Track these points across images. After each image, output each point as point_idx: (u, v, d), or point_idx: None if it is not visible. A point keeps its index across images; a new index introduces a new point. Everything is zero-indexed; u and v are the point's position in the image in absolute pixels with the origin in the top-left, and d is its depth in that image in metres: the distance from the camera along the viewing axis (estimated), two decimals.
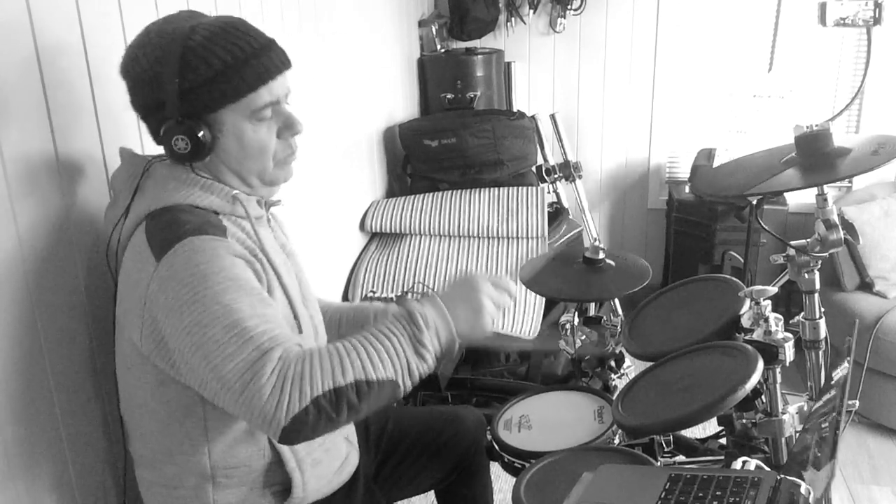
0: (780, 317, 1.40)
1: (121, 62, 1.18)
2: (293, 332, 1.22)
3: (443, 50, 3.51)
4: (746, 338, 1.42)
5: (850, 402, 1.54)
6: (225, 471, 1.22)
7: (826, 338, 1.71)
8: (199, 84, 1.12)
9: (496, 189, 2.84)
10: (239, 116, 1.16)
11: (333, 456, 1.35)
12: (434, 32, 3.44)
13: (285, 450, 1.25)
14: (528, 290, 2.56)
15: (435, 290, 1.22)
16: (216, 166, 1.20)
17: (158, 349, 1.11)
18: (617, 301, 3.04)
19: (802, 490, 0.91)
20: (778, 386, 1.39)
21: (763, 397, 1.40)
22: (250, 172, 1.22)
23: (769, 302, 1.40)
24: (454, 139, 2.88)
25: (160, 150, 1.20)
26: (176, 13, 1.20)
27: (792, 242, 1.67)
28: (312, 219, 2.25)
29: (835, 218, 1.63)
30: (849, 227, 2.75)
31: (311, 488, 1.29)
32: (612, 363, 1.86)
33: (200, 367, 1.04)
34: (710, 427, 2.21)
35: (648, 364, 1.48)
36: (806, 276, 1.66)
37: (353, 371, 1.03)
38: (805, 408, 1.43)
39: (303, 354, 1.03)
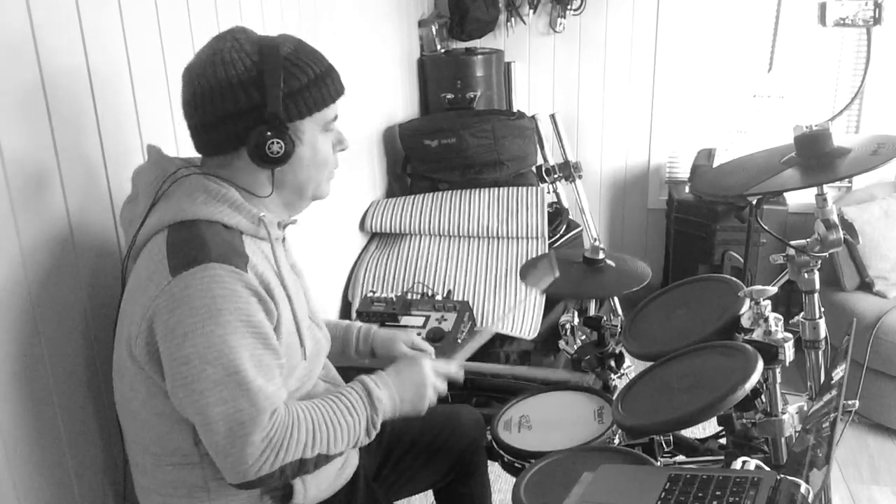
0: (780, 317, 1.40)
1: (202, 66, 1.17)
2: (299, 357, 1.25)
3: (443, 50, 3.51)
4: (746, 338, 1.42)
5: (850, 402, 1.54)
6: (218, 481, 1.20)
7: (826, 338, 1.71)
8: (298, 90, 1.17)
9: (496, 189, 2.84)
10: (317, 127, 1.23)
11: (335, 461, 1.35)
12: (434, 32, 3.44)
13: None
14: (529, 290, 2.57)
15: (387, 369, 1.38)
16: (283, 176, 1.23)
17: (151, 360, 1.12)
18: (617, 301, 3.05)
19: (802, 490, 0.92)
20: (778, 386, 1.39)
21: (763, 397, 1.40)
22: (310, 183, 1.26)
23: (769, 302, 1.40)
24: (454, 139, 2.88)
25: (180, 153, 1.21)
26: (233, 28, 1.22)
27: (792, 242, 1.67)
28: (312, 219, 2.25)
29: (834, 218, 1.63)
30: (848, 227, 2.75)
31: (312, 493, 1.29)
32: (612, 363, 1.86)
33: (187, 401, 1.08)
34: (710, 427, 2.21)
35: (648, 364, 1.48)
36: (806, 276, 1.66)
37: (318, 447, 1.16)
38: (805, 408, 1.43)
39: (286, 423, 1.12)
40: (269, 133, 1.15)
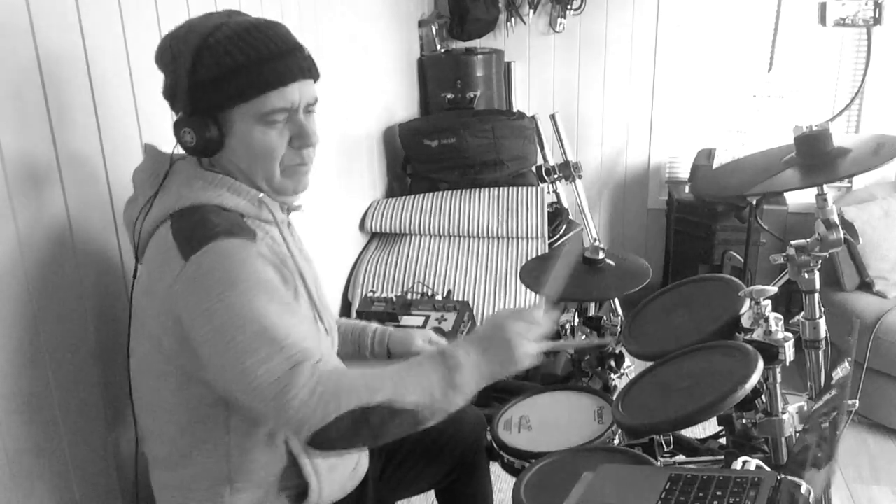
0: (780, 317, 1.40)
1: (155, 50, 1.19)
2: (318, 336, 1.23)
3: (443, 50, 3.51)
4: (746, 338, 1.42)
5: (850, 402, 1.54)
6: (243, 474, 1.21)
7: (826, 337, 1.71)
8: (207, 81, 1.13)
9: (496, 189, 2.84)
10: (248, 118, 1.15)
11: (348, 461, 1.35)
12: (434, 32, 3.44)
13: (302, 454, 1.25)
14: (528, 291, 2.57)
15: (469, 330, 1.22)
16: (229, 166, 1.21)
17: (183, 348, 1.11)
18: (617, 301, 3.04)
19: (802, 490, 0.91)
20: (778, 386, 1.39)
21: (763, 397, 1.40)
22: (257, 176, 1.21)
23: (769, 302, 1.40)
24: (454, 139, 2.88)
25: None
26: (220, 11, 1.21)
27: (792, 242, 1.67)
28: (312, 219, 2.25)
29: (835, 218, 1.63)
30: (849, 226, 2.75)
31: (326, 493, 1.29)
32: (612, 363, 1.86)
33: (229, 369, 1.04)
34: (710, 427, 2.20)
35: (648, 364, 1.48)
36: (806, 275, 1.66)
37: (381, 394, 1.04)
38: (805, 408, 1.43)
39: (336, 371, 1.04)
40: (181, 122, 1.15)
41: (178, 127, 1.16)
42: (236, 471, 1.20)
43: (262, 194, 1.21)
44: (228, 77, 1.12)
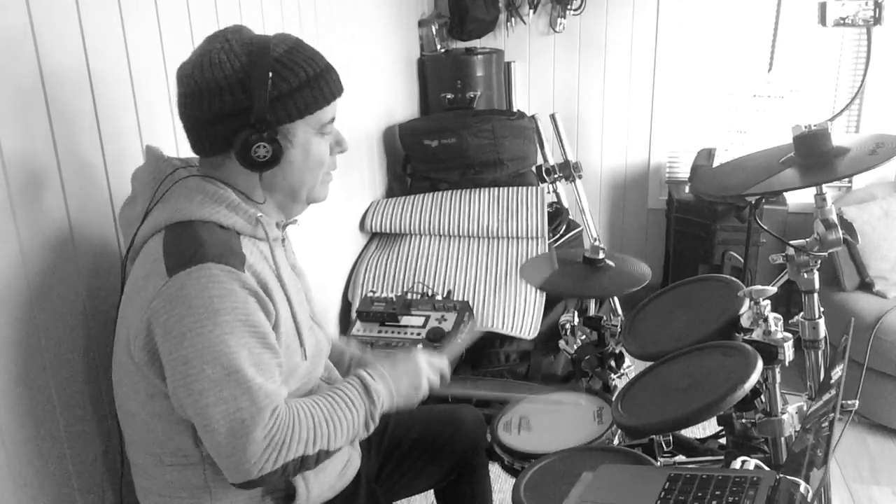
0: (780, 317, 1.40)
1: (191, 66, 1.17)
2: (299, 358, 1.24)
3: (443, 50, 3.51)
4: (746, 338, 1.42)
5: (850, 402, 1.54)
6: (221, 480, 1.20)
7: (825, 337, 1.71)
8: (288, 93, 1.16)
9: (496, 189, 2.84)
10: (310, 129, 1.21)
11: (336, 461, 1.35)
12: (434, 32, 3.44)
13: None
14: (529, 290, 2.57)
15: (385, 358, 1.38)
16: (273, 179, 1.21)
17: (151, 361, 1.12)
18: (617, 301, 3.05)
19: (801, 489, 0.92)
20: (777, 386, 1.40)
21: (762, 397, 1.40)
22: (304, 186, 1.25)
23: (769, 302, 1.41)
24: (454, 139, 2.88)
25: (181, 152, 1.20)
26: (227, 27, 1.21)
27: (791, 242, 1.67)
28: (312, 219, 2.26)
29: (833, 218, 1.63)
30: (848, 226, 2.75)
31: (315, 494, 1.29)
32: (612, 363, 1.87)
33: (187, 401, 1.08)
34: (710, 427, 2.21)
35: (648, 364, 1.49)
36: (805, 275, 1.66)
37: (319, 443, 1.15)
38: (805, 408, 1.44)
39: (288, 421, 1.12)
40: (254, 136, 1.14)
41: (249, 143, 1.14)
42: (213, 479, 1.20)
43: (260, 213, 1.21)
44: (304, 88, 1.17)
